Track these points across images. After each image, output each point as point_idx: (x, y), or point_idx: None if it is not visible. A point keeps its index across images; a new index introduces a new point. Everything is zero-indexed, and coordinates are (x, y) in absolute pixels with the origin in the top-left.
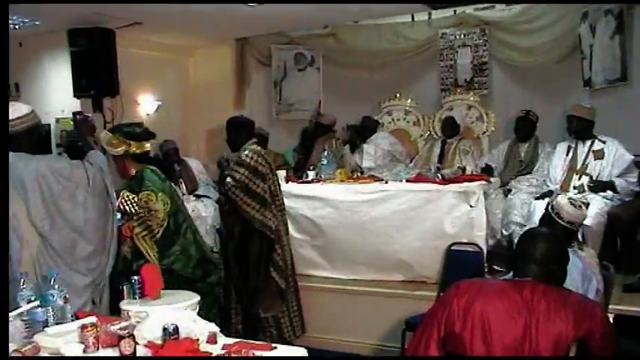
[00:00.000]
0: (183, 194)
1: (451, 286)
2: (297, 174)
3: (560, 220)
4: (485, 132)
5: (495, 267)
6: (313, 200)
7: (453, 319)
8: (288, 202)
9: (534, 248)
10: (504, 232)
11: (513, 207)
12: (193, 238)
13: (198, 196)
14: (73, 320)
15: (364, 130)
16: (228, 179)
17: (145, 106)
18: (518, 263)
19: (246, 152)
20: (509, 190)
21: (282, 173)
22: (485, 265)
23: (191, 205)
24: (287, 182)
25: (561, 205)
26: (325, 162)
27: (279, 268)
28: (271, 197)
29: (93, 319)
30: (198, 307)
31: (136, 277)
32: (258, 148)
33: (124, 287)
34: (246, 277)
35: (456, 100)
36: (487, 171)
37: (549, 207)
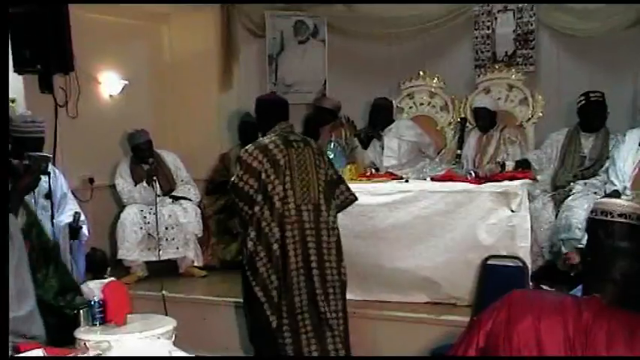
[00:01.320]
0: (158, 196)
1: (503, 295)
2: None
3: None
4: (530, 119)
5: (544, 287)
6: None
7: (498, 331)
8: None
9: (613, 265)
10: (561, 248)
11: (572, 218)
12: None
13: (175, 198)
14: (14, 355)
15: (378, 115)
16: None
17: (108, 85)
18: (591, 280)
19: (249, 145)
20: (567, 196)
21: None
22: (531, 284)
23: (167, 209)
24: None
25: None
26: (332, 156)
27: (269, 294)
28: (282, 197)
29: (39, 351)
30: (174, 335)
31: (96, 299)
32: (273, 137)
33: (80, 311)
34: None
35: (494, 80)
36: (523, 166)
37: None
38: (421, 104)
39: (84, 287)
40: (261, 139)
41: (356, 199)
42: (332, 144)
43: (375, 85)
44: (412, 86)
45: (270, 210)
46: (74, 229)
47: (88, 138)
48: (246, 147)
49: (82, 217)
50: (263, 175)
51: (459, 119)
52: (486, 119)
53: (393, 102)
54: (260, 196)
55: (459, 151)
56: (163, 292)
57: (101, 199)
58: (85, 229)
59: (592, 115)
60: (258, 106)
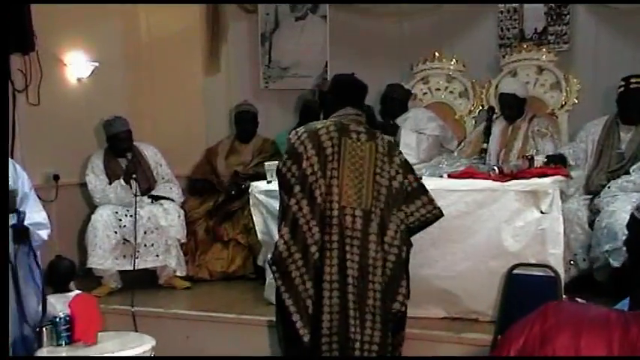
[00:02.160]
0: (136, 195)
1: (535, 308)
2: None
3: None
4: (563, 106)
5: (579, 300)
6: None
7: (532, 348)
8: (276, 206)
9: None
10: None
11: (616, 224)
12: None
13: (155, 198)
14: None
15: (392, 106)
16: None
17: (75, 68)
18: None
19: (300, 127)
20: (601, 200)
21: (271, 167)
22: (564, 297)
23: (145, 210)
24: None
25: None
26: None
27: (302, 304)
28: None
29: None
30: (153, 356)
31: (61, 315)
32: (328, 122)
33: (43, 330)
34: None
35: (521, 61)
36: (557, 162)
37: None
38: (437, 90)
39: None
40: (313, 122)
41: (441, 214)
42: None
43: (384, 67)
44: (427, 69)
45: (311, 205)
46: (19, 230)
47: (52, 129)
48: (297, 129)
49: (40, 218)
50: (304, 163)
51: (481, 106)
52: (514, 107)
53: (411, 90)
54: (298, 187)
55: (484, 145)
56: (133, 308)
57: (68, 199)
58: (44, 233)
59: (632, 104)
60: (330, 86)
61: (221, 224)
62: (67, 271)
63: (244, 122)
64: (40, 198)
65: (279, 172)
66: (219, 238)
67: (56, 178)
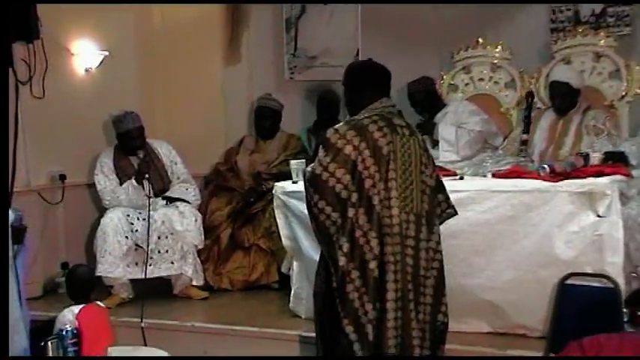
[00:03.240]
0: (149, 196)
1: (571, 344)
2: None
3: None
4: (623, 97)
5: None
6: None
7: None
8: (302, 209)
9: None
10: None
11: None
12: None
13: (170, 200)
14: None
15: (421, 98)
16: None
17: (84, 57)
18: None
19: (339, 125)
20: None
21: (297, 166)
22: (625, 311)
23: (159, 213)
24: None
25: None
26: None
27: (362, 330)
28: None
29: None
30: None
31: (68, 327)
32: (374, 116)
33: (49, 343)
34: None
35: (576, 47)
36: (616, 159)
37: None
38: (480, 80)
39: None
40: (353, 118)
41: (456, 213)
42: None
43: (421, 56)
44: (469, 57)
45: (368, 214)
46: (17, 229)
47: (58, 124)
48: (336, 126)
49: None
50: (360, 166)
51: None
52: (566, 98)
53: (437, 81)
54: (355, 195)
55: (524, 136)
56: (143, 322)
57: (75, 202)
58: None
59: None
60: (349, 76)
61: (241, 229)
62: (88, 280)
63: (263, 119)
64: (44, 200)
65: (316, 179)
66: (240, 244)
67: (62, 178)
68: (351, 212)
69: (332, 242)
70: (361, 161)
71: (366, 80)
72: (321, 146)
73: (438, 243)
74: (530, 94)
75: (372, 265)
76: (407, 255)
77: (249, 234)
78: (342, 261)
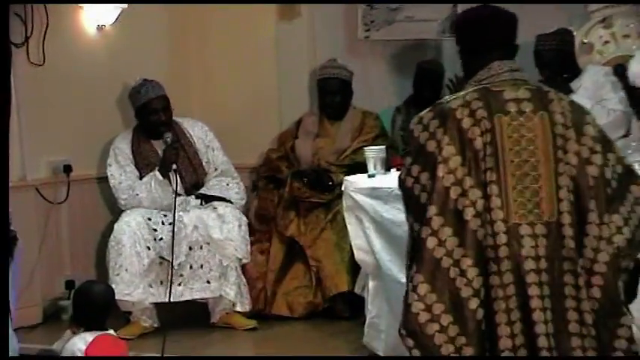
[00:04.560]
0: (177, 194)
1: None
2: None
3: None
4: None
5: None
6: None
7: None
8: (382, 211)
9: None
10: None
11: None
12: None
13: (205, 199)
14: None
15: (559, 60)
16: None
17: (95, 12)
18: None
19: (425, 111)
20: None
21: (374, 154)
22: None
23: (191, 216)
24: (387, 170)
25: None
26: None
27: None
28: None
29: None
30: None
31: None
32: (469, 94)
33: None
34: None
35: None
36: None
37: None
38: (625, 37)
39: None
40: (450, 97)
41: None
42: None
43: (543, 6)
44: (609, 7)
45: (458, 234)
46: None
47: (62, 98)
48: (423, 112)
49: None
50: (440, 169)
51: None
52: None
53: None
54: (434, 208)
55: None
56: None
57: (83, 200)
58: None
59: None
60: (455, 30)
61: (300, 235)
62: (104, 302)
63: (329, 94)
64: (43, 198)
65: (401, 185)
66: (298, 254)
67: (67, 169)
68: (425, 232)
69: (408, 267)
70: (443, 161)
71: (472, 36)
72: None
73: (604, 264)
74: (620, 67)
75: (473, 304)
76: (532, 284)
77: (313, 246)
78: (413, 298)
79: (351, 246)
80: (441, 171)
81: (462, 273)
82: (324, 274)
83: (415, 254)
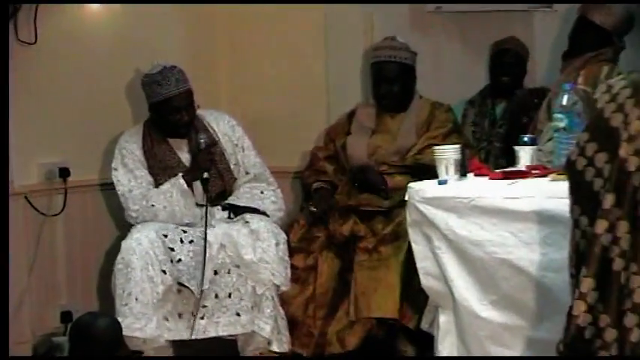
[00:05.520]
0: (201, 205)
1: None
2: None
3: None
4: None
5: None
6: (531, 223)
7: None
8: (457, 228)
9: None
10: None
11: None
12: None
13: (234, 210)
14: None
15: None
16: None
17: None
18: None
19: (617, 78)
20: None
21: (447, 155)
22: None
23: (216, 233)
24: (463, 175)
25: None
26: (563, 123)
27: None
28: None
29: None
30: None
31: None
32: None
33: None
34: None
35: None
36: None
37: None
38: None
39: None
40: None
41: None
42: (565, 98)
43: None
44: None
45: (634, 234)
46: None
47: (58, 86)
48: (610, 81)
49: None
50: (624, 149)
51: None
52: None
53: None
54: (612, 197)
55: None
56: None
57: (83, 211)
58: None
59: None
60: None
61: (354, 256)
62: (109, 339)
63: (384, 81)
64: (35, 209)
65: (570, 168)
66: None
67: (64, 174)
68: (600, 226)
69: (572, 275)
70: (628, 139)
71: None
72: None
73: None
74: None
75: None
76: None
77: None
78: (580, 315)
79: (415, 269)
80: (624, 151)
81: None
82: (359, 290)
83: (582, 257)
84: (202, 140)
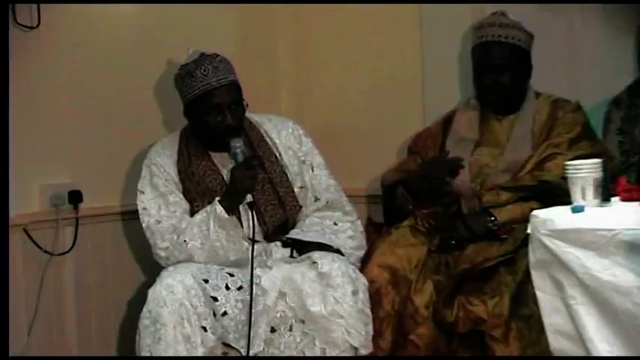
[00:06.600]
0: (257, 241)
1: None
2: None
3: None
4: None
5: None
6: None
7: None
8: (597, 270)
9: None
10: None
11: None
12: None
13: (298, 247)
14: None
15: None
16: None
17: None
18: None
19: None
20: None
21: (582, 173)
22: None
23: (274, 275)
24: (606, 199)
25: None
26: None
27: None
28: None
29: None
30: None
31: None
32: None
33: None
34: None
35: None
36: None
37: None
38: None
39: None
40: None
41: None
42: None
43: None
44: None
45: None
46: None
47: (66, 81)
48: None
49: None
50: None
51: None
52: None
53: None
54: None
55: None
56: None
57: (99, 248)
58: None
59: None
60: None
61: (453, 301)
62: None
63: (489, 68)
64: (36, 244)
65: None
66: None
67: (74, 199)
68: None
69: None
70: None
71: None
72: None
73: None
74: None
75: None
76: None
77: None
78: None
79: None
80: None
81: None
82: None
83: None
84: (237, 149)
